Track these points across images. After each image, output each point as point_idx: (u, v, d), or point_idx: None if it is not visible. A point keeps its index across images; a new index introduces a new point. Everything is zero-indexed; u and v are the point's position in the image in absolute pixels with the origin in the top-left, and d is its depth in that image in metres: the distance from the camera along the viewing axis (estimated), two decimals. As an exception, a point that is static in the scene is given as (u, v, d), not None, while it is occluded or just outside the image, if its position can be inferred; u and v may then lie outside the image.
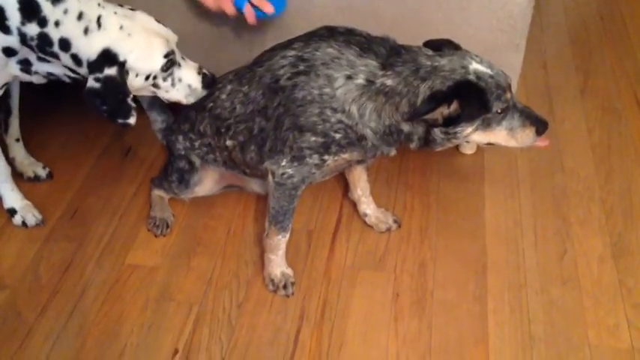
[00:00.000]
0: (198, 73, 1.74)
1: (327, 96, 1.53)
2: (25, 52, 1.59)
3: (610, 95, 2.49)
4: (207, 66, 1.88)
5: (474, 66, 1.49)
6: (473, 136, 1.55)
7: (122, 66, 1.57)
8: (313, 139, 1.58)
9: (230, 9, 1.74)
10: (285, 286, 1.78)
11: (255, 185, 1.95)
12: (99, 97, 1.57)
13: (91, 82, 1.56)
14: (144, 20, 1.63)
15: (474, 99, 1.48)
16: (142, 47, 1.60)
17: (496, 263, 1.87)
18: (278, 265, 1.79)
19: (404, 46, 1.56)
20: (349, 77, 1.52)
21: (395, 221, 1.97)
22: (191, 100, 1.76)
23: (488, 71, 1.50)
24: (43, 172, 2.07)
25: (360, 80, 1.52)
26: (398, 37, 1.60)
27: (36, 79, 1.69)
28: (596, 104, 2.45)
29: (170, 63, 1.66)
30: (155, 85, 1.69)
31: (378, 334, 1.70)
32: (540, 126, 1.57)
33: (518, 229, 1.97)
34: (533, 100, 2.43)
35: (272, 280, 1.79)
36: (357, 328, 1.71)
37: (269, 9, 1.72)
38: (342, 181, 2.03)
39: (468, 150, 2.22)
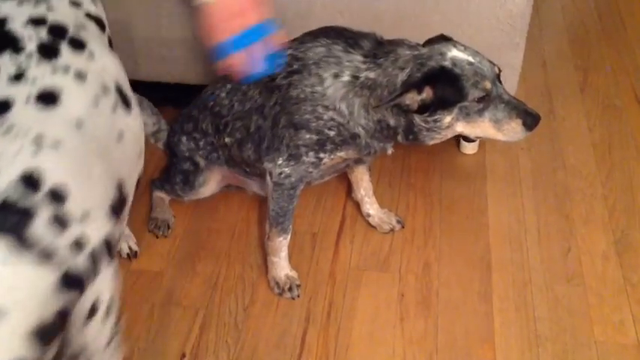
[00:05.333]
0: None
1: (319, 94, 1.56)
2: None
3: (609, 93, 2.50)
4: (206, 70, 1.91)
5: (453, 53, 1.48)
6: (456, 127, 1.52)
7: None
8: (308, 136, 1.59)
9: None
10: (290, 289, 1.78)
11: (255, 186, 1.95)
12: None
13: None
14: None
15: (446, 85, 1.46)
16: None
17: (500, 262, 1.88)
18: (282, 268, 1.79)
19: (389, 40, 1.57)
20: (336, 75, 1.54)
21: (398, 221, 1.97)
22: None
23: (468, 58, 1.48)
24: None
25: (346, 77, 1.54)
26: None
27: None
28: (596, 102, 2.45)
29: None
30: None
31: (384, 334, 1.70)
32: (529, 119, 1.50)
33: (521, 228, 1.98)
34: (534, 99, 2.44)
35: (277, 283, 1.79)
36: (364, 328, 1.72)
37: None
38: (345, 183, 2.04)
39: (470, 150, 2.23)
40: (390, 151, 1.68)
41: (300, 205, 1.75)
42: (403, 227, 1.97)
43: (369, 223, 1.98)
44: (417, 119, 1.51)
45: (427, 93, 1.47)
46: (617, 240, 1.93)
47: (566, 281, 1.82)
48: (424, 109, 1.48)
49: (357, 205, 2.00)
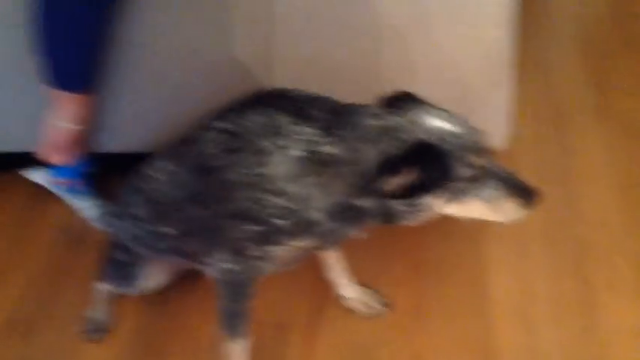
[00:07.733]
0: None
1: (260, 177, 1.28)
2: None
3: (632, 115, 2.19)
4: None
5: (430, 122, 1.24)
6: (442, 209, 1.30)
7: None
8: (249, 227, 1.32)
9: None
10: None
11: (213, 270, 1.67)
12: None
13: None
14: None
15: (432, 165, 1.23)
16: None
17: (506, 345, 1.59)
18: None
19: (346, 106, 1.31)
20: (285, 151, 1.27)
21: (382, 304, 1.68)
22: None
23: (453, 129, 1.24)
24: None
25: (298, 152, 1.26)
26: (375, 82, 1.45)
27: None
28: (617, 129, 2.14)
29: None
30: None
31: None
32: (527, 197, 1.30)
33: (530, 300, 1.68)
34: (538, 131, 2.14)
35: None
36: None
37: None
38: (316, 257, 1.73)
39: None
40: (363, 235, 1.40)
41: (261, 289, 1.46)
42: (389, 308, 1.68)
43: (347, 306, 1.68)
44: (396, 203, 1.27)
45: (408, 175, 1.22)
46: (650, 311, 1.62)
47: (590, 369, 1.51)
48: (406, 192, 1.24)
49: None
